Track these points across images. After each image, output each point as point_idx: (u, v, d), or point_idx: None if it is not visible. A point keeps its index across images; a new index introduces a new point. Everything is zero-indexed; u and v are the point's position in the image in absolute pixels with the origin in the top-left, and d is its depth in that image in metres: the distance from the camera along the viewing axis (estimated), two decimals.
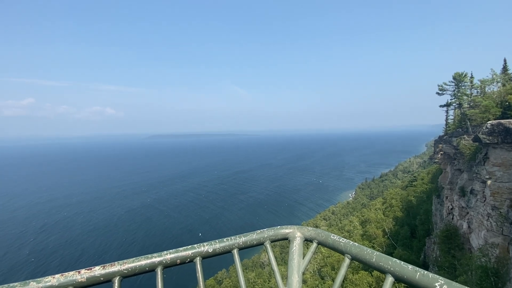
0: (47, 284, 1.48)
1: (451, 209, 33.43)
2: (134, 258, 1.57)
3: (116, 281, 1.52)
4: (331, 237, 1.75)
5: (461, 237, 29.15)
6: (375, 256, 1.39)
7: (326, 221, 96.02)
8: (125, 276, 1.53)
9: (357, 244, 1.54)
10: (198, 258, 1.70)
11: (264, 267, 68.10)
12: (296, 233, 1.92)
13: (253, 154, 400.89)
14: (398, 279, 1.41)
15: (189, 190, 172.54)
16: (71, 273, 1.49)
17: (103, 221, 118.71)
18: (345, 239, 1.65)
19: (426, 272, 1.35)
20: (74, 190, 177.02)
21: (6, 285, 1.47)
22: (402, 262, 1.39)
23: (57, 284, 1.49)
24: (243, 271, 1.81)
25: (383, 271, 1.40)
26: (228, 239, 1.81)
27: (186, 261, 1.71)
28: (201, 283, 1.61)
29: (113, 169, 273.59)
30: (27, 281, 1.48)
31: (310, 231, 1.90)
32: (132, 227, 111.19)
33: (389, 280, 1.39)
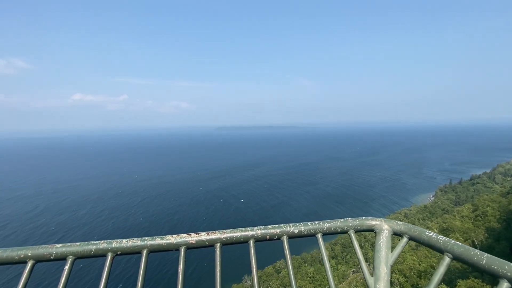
0: (169, 241, 1.87)
1: None
2: (231, 230, 1.91)
3: (218, 246, 1.86)
4: (426, 233, 1.73)
5: None
6: (486, 258, 1.28)
7: None
8: (224, 244, 1.87)
9: (460, 243, 1.47)
10: (285, 237, 1.88)
11: (324, 263, 68.03)
12: (384, 226, 1.93)
13: (318, 147, 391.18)
14: None
15: (256, 178, 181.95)
16: (184, 235, 1.87)
17: (188, 199, 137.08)
18: (444, 237, 1.63)
19: None
20: (164, 172, 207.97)
21: (139, 238, 1.87)
22: None
23: (175, 242, 1.86)
24: (328, 256, 1.91)
25: (497, 276, 1.27)
26: (312, 223, 1.93)
27: (274, 238, 1.92)
28: (288, 260, 1.79)
29: (190, 157, 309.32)
30: (154, 237, 1.89)
31: (400, 225, 1.89)
32: (210, 206, 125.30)
33: (505, 286, 1.27)
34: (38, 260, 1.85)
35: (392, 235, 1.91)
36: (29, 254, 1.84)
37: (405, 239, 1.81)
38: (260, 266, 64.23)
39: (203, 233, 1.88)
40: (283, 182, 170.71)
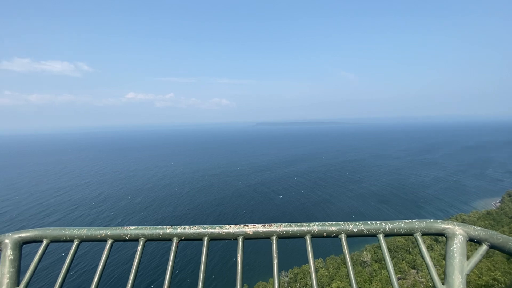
0: (227, 230, 1.99)
1: None
2: (287, 224, 1.97)
3: (274, 239, 1.92)
4: None
5: None
6: None
7: None
8: (280, 237, 1.93)
9: None
10: (343, 235, 1.86)
11: (365, 266, 64.97)
12: (457, 230, 1.79)
13: (362, 144, 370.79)
14: None
15: (296, 175, 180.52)
16: (242, 226, 1.99)
17: (230, 192, 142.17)
18: None
19: None
20: (206, 166, 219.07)
21: (200, 226, 2.07)
22: None
23: (233, 231, 1.97)
24: (390, 256, 1.83)
25: None
26: (373, 223, 1.87)
27: (331, 236, 1.90)
28: (348, 258, 1.76)
29: (230, 152, 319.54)
30: (214, 226, 2.04)
31: (478, 231, 1.74)
32: (250, 200, 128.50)
33: None
34: (116, 239, 2.11)
35: (467, 241, 1.77)
36: (109, 234, 2.11)
37: (484, 247, 1.69)
38: (290, 264, 64.30)
39: (259, 225, 1.97)
40: (325, 179, 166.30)
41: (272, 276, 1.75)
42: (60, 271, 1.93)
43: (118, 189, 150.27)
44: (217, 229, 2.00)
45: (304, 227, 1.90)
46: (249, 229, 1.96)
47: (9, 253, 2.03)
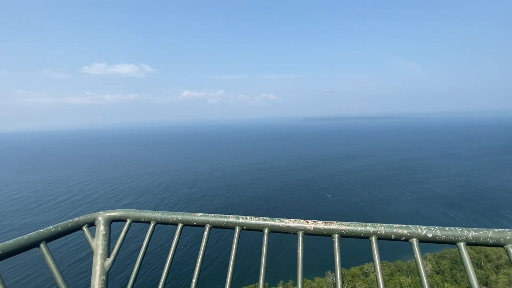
0: (287, 224, 2.02)
1: None
2: (350, 223, 1.89)
3: (336, 237, 1.88)
4: None
5: None
6: None
7: None
8: (342, 236, 1.87)
9: None
10: (415, 239, 1.68)
11: (469, 279, 57.40)
12: None
13: (426, 141, 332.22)
14: None
15: (347, 172, 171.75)
16: (302, 221, 1.99)
17: (278, 186, 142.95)
18: None
19: None
20: (255, 160, 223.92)
21: (261, 217, 2.13)
22: None
23: (293, 226, 1.99)
24: (473, 268, 1.61)
25: None
26: (452, 229, 1.68)
27: (400, 239, 1.75)
28: (421, 266, 1.61)
29: (278, 147, 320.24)
30: (274, 218, 2.08)
31: None
32: (298, 197, 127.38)
33: None
34: (185, 224, 2.32)
35: None
36: (179, 218, 2.32)
37: None
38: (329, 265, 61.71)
39: (320, 222, 1.95)
40: (380, 178, 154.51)
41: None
42: (139, 249, 2.25)
43: (177, 179, 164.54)
44: (277, 222, 2.04)
45: (369, 228, 1.81)
46: (310, 225, 1.95)
47: (101, 228, 2.44)
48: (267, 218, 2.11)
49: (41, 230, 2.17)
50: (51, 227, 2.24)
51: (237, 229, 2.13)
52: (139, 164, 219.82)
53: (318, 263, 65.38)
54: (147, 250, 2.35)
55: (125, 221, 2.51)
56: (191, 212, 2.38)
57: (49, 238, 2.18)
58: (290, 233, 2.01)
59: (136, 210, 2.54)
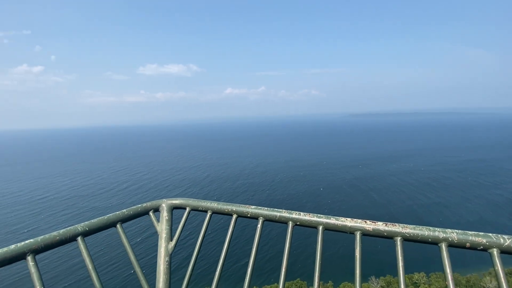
0: (343, 223, 1.94)
1: None
2: (415, 226, 1.74)
3: (398, 240, 1.72)
4: None
5: None
6: None
7: None
8: (406, 239, 1.72)
9: None
10: (496, 250, 1.46)
11: None
12: None
13: (496, 139, 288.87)
14: None
15: (399, 173, 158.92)
16: (359, 220, 1.91)
17: (323, 184, 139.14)
18: None
19: None
20: (296, 157, 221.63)
21: (315, 214, 2.06)
22: None
23: (349, 225, 1.91)
24: None
25: None
26: None
27: (478, 248, 1.53)
28: (502, 280, 1.39)
29: (321, 144, 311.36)
30: (329, 216, 2.03)
31: None
32: (345, 198, 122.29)
33: None
34: (239, 215, 2.39)
35: None
36: (234, 209, 2.41)
37: None
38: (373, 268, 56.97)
39: (380, 223, 1.84)
40: (439, 180, 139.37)
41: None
42: (197, 236, 2.40)
43: (221, 172, 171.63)
44: (332, 220, 1.96)
45: (438, 233, 1.62)
46: (368, 225, 1.84)
47: (165, 214, 2.65)
48: (322, 215, 2.05)
49: (117, 212, 2.42)
50: (125, 210, 2.47)
51: (290, 224, 2.11)
52: (186, 158, 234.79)
53: (352, 265, 62.04)
54: (205, 238, 2.46)
55: (185, 209, 2.69)
56: (247, 205, 2.44)
57: (124, 220, 2.43)
58: (346, 233, 1.94)
59: (194, 199, 2.72)
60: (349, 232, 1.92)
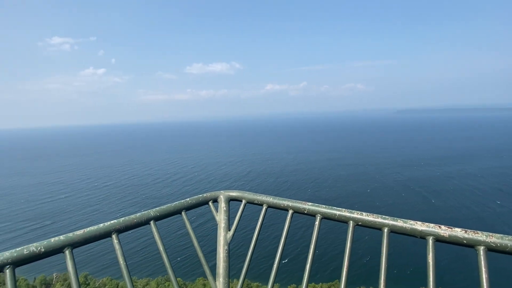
0: (413, 226, 1.78)
1: None
2: (502, 235, 1.55)
3: (481, 250, 1.53)
4: None
5: None
6: None
7: None
8: (490, 250, 1.52)
9: None
10: None
11: None
12: None
13: None
14: None
15: (457, 175, 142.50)
16: (432, 225, 1.73)
17: (376, 185, 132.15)
18: None
19: None
20: (340, 155, 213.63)
21: (379, 215, 1.94)
22: None
23: (420, 229, 1.75)
24: None
25: None
26: None
27: None
28: None
29: (366, 142, 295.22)
30: (396, 218, 1.89)
31: None
32: (397, 197, 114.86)
33: None
34: (296, 211, 2.40)
35: None
36: (290, 205, 2.43)
37: None
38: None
39: (458, 229, 1.61)
40: (508, 183, 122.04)
41: None
42: (254, 230, 2.46)
43: (263, 168, 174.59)
44: (399, 223, 1.78)
45: (479, 237, 1.48)
46: (443, 230, 1.62)
47: (223, 205, 2.74)
48: (387, 216, 1.89)
49: (182, 201, 2.57)
50: (188, 199, 2.63)
51: (351, 224, 2.01)
52: (230, 153, 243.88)
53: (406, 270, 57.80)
54: (260, 231, 2.55)
55: (241, 201, 2.79)
56: (304, 201, 2.44)
57: (188, 208, 2.58)
58: (416, 237, 1.74)
59: (250, 192, 2.85)
60: (419, 237, 1.72)
